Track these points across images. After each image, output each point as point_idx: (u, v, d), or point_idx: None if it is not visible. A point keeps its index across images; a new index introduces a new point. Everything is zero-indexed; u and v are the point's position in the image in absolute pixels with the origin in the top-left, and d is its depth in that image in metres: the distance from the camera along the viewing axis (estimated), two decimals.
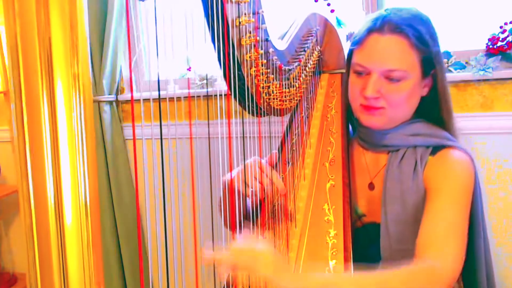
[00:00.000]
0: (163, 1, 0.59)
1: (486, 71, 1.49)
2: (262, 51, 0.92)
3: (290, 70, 1.05)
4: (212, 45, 0.82)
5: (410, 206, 0.96)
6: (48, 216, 0.38)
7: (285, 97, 1.04)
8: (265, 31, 0.92)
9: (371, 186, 1.07)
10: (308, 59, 1.15)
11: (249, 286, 0.89)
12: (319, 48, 1.24)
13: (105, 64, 1.90)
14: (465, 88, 1.56)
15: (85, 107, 0.39)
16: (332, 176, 1.03)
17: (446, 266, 0.83)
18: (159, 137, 0.60)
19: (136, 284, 2.04)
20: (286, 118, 1.18)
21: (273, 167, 1.00)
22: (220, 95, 0.85)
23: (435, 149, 0.99)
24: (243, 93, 0.91)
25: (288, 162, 1.10)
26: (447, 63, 1.56)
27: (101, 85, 1.91)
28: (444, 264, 0.83)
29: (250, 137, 0.93)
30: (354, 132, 1.18)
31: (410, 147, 1.01)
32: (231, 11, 0.81)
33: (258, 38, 0.89)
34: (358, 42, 1.00)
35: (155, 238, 1.94)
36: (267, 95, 0.97)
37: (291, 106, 1.10)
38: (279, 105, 1.03)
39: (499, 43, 1.49)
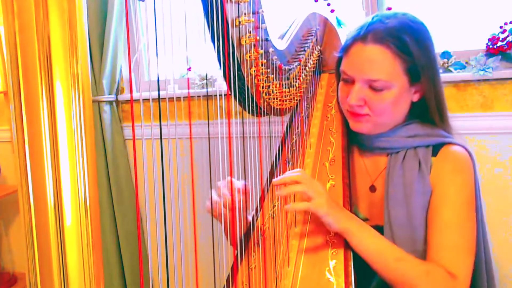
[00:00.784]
0: (163, 1, 0.59)
1: (486, 71, 1.49)
2: (262, 51, 0.92)
3: (290, 69, 1.05)
4: (212, 45, 0.82)
5: (416, 208, 0.95)
6: (48, 216, 0.38)
7: (285, 97, 1.04)
8: (265, 30, 0.92)
9: (372, 189, 1.06)
10: (308, 59, 1.15)
11: (249, 286, 0.89)
12: (319, 47, 1.24)
13: (105, 64, 1.90)
14: (465, 88, 1.56)
15: (85, 107, 0.39)
16: (332, 176, 1.03)
17: (462, 279, 0.89)
18: (159, 137, 0.59)
19: (136, 284, 2.04)
20: (286, 118, 1.18)
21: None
22: (220, 95, 0.85)
23: (435, 148, 0.99)
24: (243, 93, 0.91)
25: (288, 162, 1.10)
26: (447, 63, 1.56)
27: (101, 85, 1.91)
28: (460, 275, 0.88)
29: (250, 137, 0.93)
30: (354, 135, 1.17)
31: (410, 149, 1.01)
32: (231, 10, 0.81)
33: (258, 37, 0.89)
34: (344, 50, 1.01)
35: (155, 238, 1.94)
36: (267, 95, 0.97)
37: (291, 106, 1.10)
38: (279, 105, 1.03)
39: (499, 43, 1.49)
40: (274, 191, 1.06)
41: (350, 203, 0.99)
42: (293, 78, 1.07)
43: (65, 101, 0.37)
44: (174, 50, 0.63)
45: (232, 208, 0.93)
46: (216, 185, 0.97)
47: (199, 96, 1.82)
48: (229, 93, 0.88)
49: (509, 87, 1.51)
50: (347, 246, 0.90)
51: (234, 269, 0.93)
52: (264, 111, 1.00)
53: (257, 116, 0.97)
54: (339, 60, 1.04)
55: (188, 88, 1.61)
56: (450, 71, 1.56)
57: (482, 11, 1.59)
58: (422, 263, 0.89)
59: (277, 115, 1.07)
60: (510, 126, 1.52)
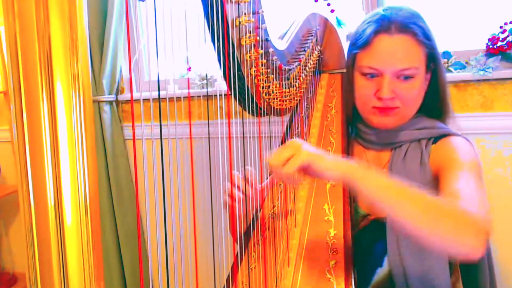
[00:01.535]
0: (163, 1, 0.59)
1: (486, 71, 1.49)
2: (262, 51, 0.92)
3: (290, 70, 1.05)
4: (212, 45, 0.82)
5: None
6: (48, 216, 0.38)
7: (285, 97, 1.04)
8: (265, 31, 0.92)
9: None
10: (308, 59, 1.15)
11: (249, 286, 0.89)
12: (319, 48, 1.24)
13: (105, 64, 1.90)
14: (465, 88, 1.56)
15: (85, 107, 0.39)
16: None
17: (480, 214, 0.75)
18: (159, 137, 0.59)
19: (136, 284, 2.04)
20: (286, 118, 1.18)
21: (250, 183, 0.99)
22: (220, 95, 0.85)
23: (436, 139, 1.01)
24: (243, 93, 0.91)
25: None
26: (447, 63, 1.56)
27: (101, 85, 1.91)
28: (478, 211, 0.76)
29: (250, 137, 0.93)
30: (352, 132, 1.17)
31: (414, 141, 1.02)
32: (231, 11, 0.81)
33: (258, 38, 0.89)
34: (364, 45, 0.99)
35: (155, 238, 1.94)
36: (267, 95, 0.97)
37: (291, 106, 1.10)
38: (279, 105, 1.03)
39: (499, 43, 1.49)
40: (274, 191, 1.06)
41: (350, 203, 0.99)
42: (293, 78, 1.07)
43: (65, 101, 0.37)
44: (174, 50, 0.63)
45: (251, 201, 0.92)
46: (230, 178, 0.95)
47: (199, 96, 1.82)
48: (229, 93, 0.88)
49: (509, 87, 1.51)
50: (347, 246, 0.90)
51: (234, 269, 0.93)
52: (264, 111, 1.00)
53: (257, 116, 0.97)
54: (353, 57, 1.03)
55: (188, 88, 1.61)
56: (450, 71, 1.56)
57: (482, 11, 1.59)
58: (438, 199, 0.77)
59: (277, 115, 1.07)
60: (510, 126, 1.52)
